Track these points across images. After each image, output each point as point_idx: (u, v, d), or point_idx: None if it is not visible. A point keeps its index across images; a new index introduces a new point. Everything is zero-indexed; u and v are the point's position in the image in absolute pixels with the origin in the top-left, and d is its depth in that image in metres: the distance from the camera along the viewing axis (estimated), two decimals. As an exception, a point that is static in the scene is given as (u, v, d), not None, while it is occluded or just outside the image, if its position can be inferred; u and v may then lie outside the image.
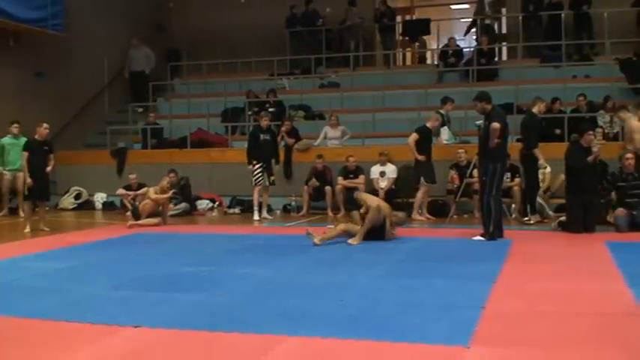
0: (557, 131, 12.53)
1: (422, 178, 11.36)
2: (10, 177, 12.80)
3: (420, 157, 11.34)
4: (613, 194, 9.64)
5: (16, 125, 12.79)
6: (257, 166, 11.68)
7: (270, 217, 11.97)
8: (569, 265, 6.81)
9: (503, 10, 18.22)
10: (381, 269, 6.73)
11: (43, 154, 10.62)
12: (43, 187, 10.72)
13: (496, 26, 18.25)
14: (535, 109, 10.78)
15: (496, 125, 8.39)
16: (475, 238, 8.54)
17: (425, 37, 18.79)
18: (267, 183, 11.78)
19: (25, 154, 10.57)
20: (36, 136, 10.72)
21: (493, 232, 8.50)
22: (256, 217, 11.67)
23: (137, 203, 11.28)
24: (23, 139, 11.69)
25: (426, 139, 11.57)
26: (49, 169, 10.71)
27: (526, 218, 10.48)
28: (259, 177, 11.68)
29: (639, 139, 10.13)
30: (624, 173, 9.48)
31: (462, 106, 13.59)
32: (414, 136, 11.48)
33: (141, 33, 18.13)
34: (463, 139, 13.07)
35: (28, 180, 10.48)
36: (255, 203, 11.79)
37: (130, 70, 17.64)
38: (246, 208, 12.72)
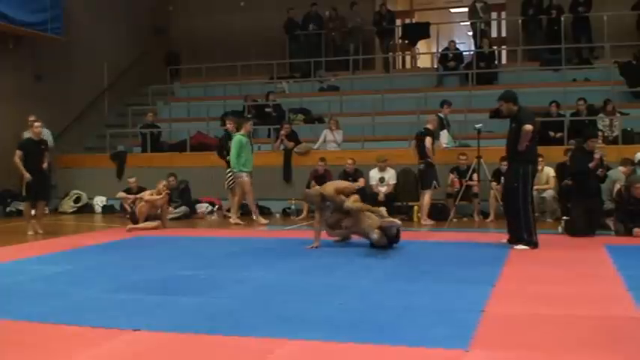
0: (552, 134, 12.54)
1: (434, 182, 11.23)
2: (248, 178, 11.80)
3: (433, 161, 11.25)
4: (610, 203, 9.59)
5: (250, 122, 12.26)
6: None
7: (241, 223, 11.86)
8: (568, 269, 6.80)
9: (494, 15, 18.26)
10: (380, 272, 6.73)
11: (39, 153, 10.45)
12: (41, 186, 10.52)
13: (495, 30, 18.23)
14: None
15: (529, 127, 7.87)
16: (518, 247, 8.05)
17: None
18: None
19: (19, 152, 10.34)
20: (31, 136, 10.63)
21: (534, 239, 8.09)
22: (236, 220, 11.77)
23: (136, 207, 11.28)
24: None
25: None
26: (44, 165, 10.50)
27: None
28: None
29: None
30: (632, 198, 9.10)
31: (462, 109, 13.60)
32: (430, 139, 11.21)
33: (140, 36, 18.16)
34: (462, 142, 13.07)
35: (27, 175, 10.24)
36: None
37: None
38: (246, 211, 12.70)
